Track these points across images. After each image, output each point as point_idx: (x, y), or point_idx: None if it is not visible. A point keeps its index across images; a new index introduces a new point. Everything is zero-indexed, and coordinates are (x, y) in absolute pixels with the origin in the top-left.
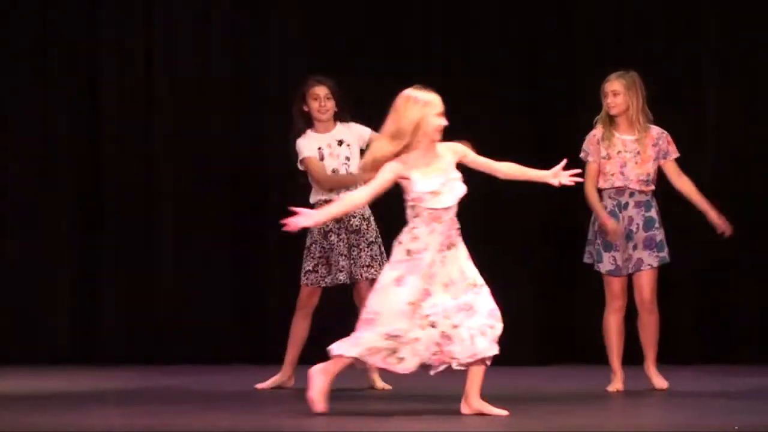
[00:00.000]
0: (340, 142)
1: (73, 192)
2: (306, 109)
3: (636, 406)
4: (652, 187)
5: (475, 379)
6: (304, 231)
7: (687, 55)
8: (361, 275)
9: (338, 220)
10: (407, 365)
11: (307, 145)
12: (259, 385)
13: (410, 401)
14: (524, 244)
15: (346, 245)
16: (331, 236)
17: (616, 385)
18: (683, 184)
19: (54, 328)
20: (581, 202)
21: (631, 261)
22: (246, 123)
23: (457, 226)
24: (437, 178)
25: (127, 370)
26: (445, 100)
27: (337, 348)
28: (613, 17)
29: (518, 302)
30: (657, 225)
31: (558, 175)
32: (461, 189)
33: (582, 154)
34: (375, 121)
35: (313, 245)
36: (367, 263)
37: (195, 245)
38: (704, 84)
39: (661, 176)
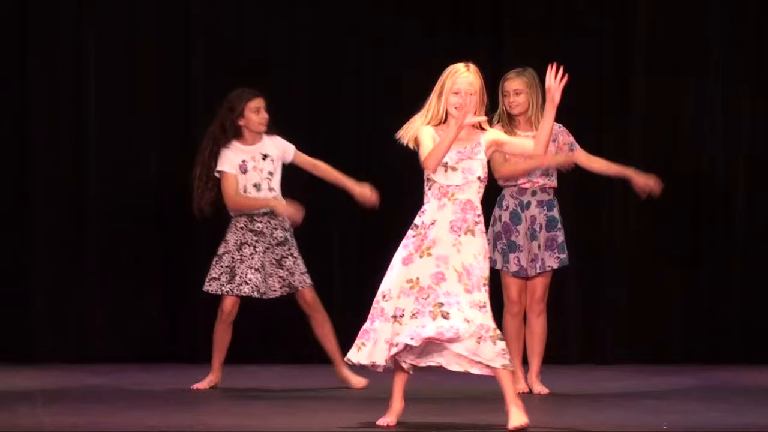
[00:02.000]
0: (265, 156)
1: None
2: (241, 122)
3: (562, 406)
4: (555, 184)
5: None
6: (220, 238)
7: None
8: (305, 281)
9: (258, 234)
10: None
11: (230, 158)
12: (195, 385)
13: (336, 400)
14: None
15: (267, 259)
16: (244, 249)
17: (519, 386)
18: (596, 162)
19: None
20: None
21: (537, 261)
22: (175, 133)
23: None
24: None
25: (56, 368)
26: None
27: None
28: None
29: None
30: (559, 225)
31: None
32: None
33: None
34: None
35: (226, 255)
36: (304, 270)
37: (124, 244)
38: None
39: (566, 176)
